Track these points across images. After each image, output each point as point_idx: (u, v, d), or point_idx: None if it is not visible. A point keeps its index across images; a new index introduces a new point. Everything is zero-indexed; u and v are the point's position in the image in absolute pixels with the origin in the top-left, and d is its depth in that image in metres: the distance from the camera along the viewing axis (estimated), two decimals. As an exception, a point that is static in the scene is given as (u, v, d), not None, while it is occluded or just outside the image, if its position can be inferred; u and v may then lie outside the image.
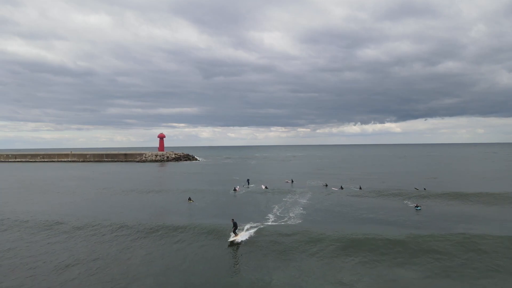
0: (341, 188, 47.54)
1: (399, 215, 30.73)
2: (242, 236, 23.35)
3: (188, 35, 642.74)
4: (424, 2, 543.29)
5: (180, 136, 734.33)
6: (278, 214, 31.63)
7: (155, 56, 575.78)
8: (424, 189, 44.88)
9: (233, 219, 23.95)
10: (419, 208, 33.72)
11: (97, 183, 57.35)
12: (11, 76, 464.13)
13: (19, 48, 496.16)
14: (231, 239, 22.56)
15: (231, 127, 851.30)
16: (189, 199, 39.42)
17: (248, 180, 55.43)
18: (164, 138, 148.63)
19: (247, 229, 25.25)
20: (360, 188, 46.68)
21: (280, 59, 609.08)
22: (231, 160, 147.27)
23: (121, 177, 70.11)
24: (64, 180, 63.42)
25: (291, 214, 31.29)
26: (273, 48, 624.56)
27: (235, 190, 46.46)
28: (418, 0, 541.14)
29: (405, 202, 37.02)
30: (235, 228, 23.21)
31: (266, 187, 48.50)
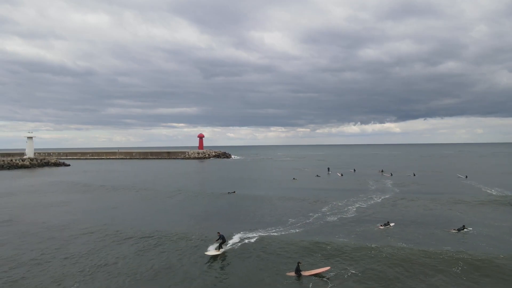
0: (391, 174, 63.59)
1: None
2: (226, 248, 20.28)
3: (188, 35, 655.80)
4: (426, 1, 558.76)
5: (179, 136, 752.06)
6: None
7: (154, 56, 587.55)
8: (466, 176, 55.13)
9: (219, 233, 20.57)
10: None
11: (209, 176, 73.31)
12: (10, 76, 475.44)
13: (18, 47, 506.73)
14: (210, 253, 19.52)
15: (231, 127, 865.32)
16: (294, 178, 57.22)
17: (328, 168, 73.19)
18: (203, 138, 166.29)
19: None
20: (414, 175, 62.79)
21: (280, 59, 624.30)
22: (271, 158, 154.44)
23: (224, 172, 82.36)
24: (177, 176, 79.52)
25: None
26: (273, 48, 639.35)
27: (318, 176, 63.53)
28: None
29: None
30: (222, 242, 20.16)
31: (341, 174, 65.54)
